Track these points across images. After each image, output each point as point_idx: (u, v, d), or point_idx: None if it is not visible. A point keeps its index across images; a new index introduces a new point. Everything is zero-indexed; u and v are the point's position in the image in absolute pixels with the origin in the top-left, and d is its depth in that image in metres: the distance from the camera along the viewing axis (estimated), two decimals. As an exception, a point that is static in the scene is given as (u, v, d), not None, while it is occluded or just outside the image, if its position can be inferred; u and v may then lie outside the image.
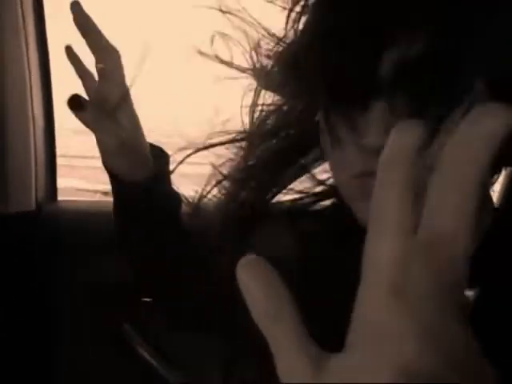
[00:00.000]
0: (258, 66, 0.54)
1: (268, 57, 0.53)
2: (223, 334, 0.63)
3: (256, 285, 0.24)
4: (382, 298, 0.22)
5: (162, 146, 0.72)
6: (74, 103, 0.65)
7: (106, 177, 0.70)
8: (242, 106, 0.57)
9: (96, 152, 0.69)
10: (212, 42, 0.57)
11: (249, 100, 0.56)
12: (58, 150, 1.29)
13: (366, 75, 0.39)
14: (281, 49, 0.52)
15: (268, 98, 0.55)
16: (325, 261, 0.54)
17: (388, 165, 0.23)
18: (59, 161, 1.31)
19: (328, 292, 0.50)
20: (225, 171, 0.59)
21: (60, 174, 1.31)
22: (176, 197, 0.70)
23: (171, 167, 0.71)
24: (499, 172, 0.47)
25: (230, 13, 0.55)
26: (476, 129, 0.21)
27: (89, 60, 0.67)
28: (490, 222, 0.44)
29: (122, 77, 0.66)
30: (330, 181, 0.57)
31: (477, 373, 0.22)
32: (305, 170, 0.56)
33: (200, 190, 0.61)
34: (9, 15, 1.14)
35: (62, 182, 1.32)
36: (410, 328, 0.21)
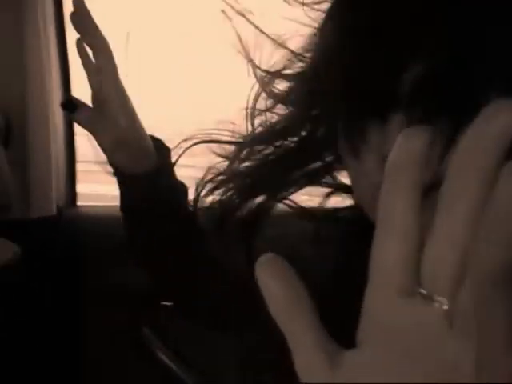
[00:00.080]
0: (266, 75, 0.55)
1: (283, 69, 0.53)
2: (239, 333, 0.63)
3: (275, 283, 0.24)
4: (389, 299, 0.23)
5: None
6: (68, 105, 0.66)
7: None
8: (247, 108, 0.57)
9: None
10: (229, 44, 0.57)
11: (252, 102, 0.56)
12: (78, 156, 1.31)
13: (386, 88, 0.39)
14: (297, 61, 0.52)
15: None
16: (346, 264, 0.53)
17: (394, 169, 0.23)
18: (79, 166, 1.32)
19: (351, 295, 0.50)
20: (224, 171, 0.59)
21: (79, 179, 1.32)
22: (182, 189, 0.69)
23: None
24: None
25: (243, 15, 0.55)
26: (482, 131, 0.21)
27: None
28: None
29: (116, 74, 0.65)
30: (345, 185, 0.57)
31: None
32: (314, 176, 0.56)
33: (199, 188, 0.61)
34: (29, 17, 1.15)
35: (81, 188, 1.33)
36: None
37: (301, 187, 0.57)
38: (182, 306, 0.75)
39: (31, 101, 1.17)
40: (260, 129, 0.56)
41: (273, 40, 0.54)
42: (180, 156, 0.67)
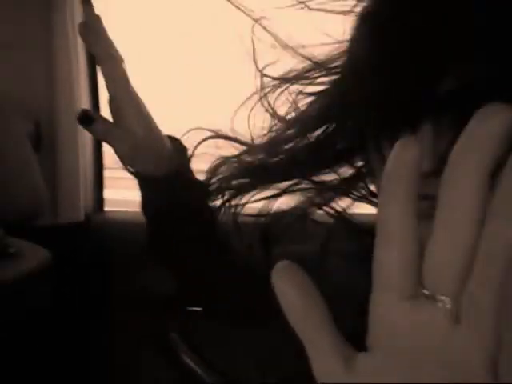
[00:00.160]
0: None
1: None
2: (259, 335, 0.63)
3: (292, 290, 0.25)
4: (393, 303, 0.24)
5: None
6: (83, 118, 0.65)
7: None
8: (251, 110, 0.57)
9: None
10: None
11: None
12: (105, 162, 1.32)
13: (417, 100, 0.39)
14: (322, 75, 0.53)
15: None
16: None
17: (390, 177, 0.24)
18: (106, 172, 1.33)
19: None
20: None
21: (107, 185, 1.34)
22: (202, 188, 0.68)
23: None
24: None
25: (260, 23, 0.55)
26: (475, 132, 0.22)
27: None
28: None
29: (127, 83, 0.65)
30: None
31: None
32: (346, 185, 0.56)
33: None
34: (58, 25, 1.17)
35: (108, 194, 1.35)
36: None
37: (333, 198, 0.57)
38: (204, 308, 0.76)
39: (60, 108, 1.19)
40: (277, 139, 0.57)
41: (292, 49, 0.54)
42: (196, 148, 0.67)
